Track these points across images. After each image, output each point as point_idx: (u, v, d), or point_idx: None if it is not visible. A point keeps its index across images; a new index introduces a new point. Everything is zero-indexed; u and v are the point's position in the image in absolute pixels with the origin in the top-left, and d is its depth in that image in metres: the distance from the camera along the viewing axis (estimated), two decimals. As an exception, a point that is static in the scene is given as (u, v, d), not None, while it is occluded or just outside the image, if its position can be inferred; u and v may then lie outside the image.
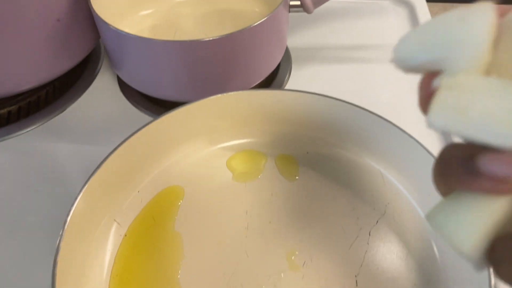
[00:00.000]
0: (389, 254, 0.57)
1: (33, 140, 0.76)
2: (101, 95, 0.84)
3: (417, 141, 0.58)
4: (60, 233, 0.49)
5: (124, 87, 0.85)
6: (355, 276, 0.55)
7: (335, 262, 0.56)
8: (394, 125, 0.61)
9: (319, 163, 0.67)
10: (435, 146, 0.73)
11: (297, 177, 0.65)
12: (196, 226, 0.60)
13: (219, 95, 0.64)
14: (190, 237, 0.59)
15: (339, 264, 0.56)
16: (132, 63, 0.72)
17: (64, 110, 0.81)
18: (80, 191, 0.53)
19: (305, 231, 0.59)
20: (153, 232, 0.60)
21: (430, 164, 0.56)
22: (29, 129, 0.77)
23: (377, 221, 0.60)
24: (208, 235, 0.59)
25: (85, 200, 0.53)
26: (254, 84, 0.78)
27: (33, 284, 0.57)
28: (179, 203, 0.62)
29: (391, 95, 0.83)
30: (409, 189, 0.61)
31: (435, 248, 0.56)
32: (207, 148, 0.68)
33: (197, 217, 0.61)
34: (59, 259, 0.47)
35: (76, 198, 0.52)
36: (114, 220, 0.60)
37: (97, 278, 0.55)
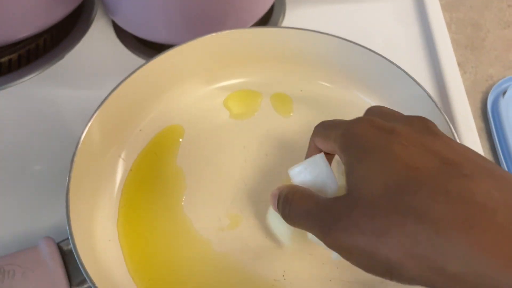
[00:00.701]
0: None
1: (34, 87, 0.78)
2: (98, 41, 0.85)
3: (409, 75, 0.60)
4: (70, 162, 0.52)
5: (120, 33, 0.86)
6: (346, 200, 0.59)
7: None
8: (386, 59, 0.63)
9: (312, 99, 0.69)
10: (427, 82, 0.76)
11: (291, 114, 0.68)
12: (197, 160, 0.63)
13: (212, 34, 0.65)
14: (191, 171, 0.63)
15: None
16: (127, 6, 0.73)
17: (63, 57, 0.83)
18: (85, 126, 0.55)
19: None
20: (156, 167, 0.63)
21: (421, 98, 0.59)
22: (30, 76, 0.79)
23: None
24: (208, 168, 0.63)
25: (90, 137, 0.56)
26: (249, 25, 0.79)
27: (45, 222, 0.61)
28: (180, 140, 0.66)
29: (385, 34, 0.84)
30: (398, 120, 0.65)
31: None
32: (204, 88, 0.70)
33: (197, 152, 0.64)
34: (71, 187, 0.51)
35: (82, 133, 0.55)
36: (119, 156, 0.63)
37: (106, 208, 0.59)
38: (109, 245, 0.56)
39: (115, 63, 0.81)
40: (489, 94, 0.74)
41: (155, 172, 0.63)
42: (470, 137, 0.66)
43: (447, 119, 0.55)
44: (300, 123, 0.67)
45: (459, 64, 0.77)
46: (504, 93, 0.73)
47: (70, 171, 0.52)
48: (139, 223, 0.58)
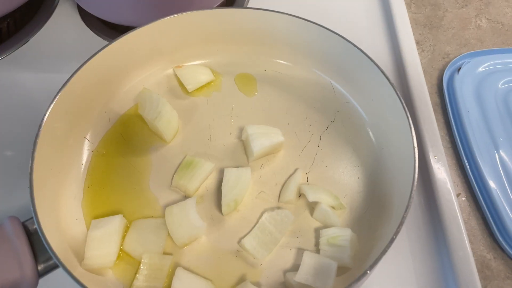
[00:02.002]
0: (337, 154, 0.63)
1: (-2, 71, 0.77)
2: (63, 24, 0.85)
3: (363, 52, 0.63)
4: (34, 143, 0.53)
5: (85, 16, 0.85)
6: (306, 174, 0.62)
7: (289, 163, 0.63)
8: (343, 37, 0.65)
9: (276, 79, 0.71)
10: (385, 60, 0.78)
11: (255, 93, 0.70)
12: (162, 140, 0.65)
13: (175, 16, 0.66)
14: (157, 150, 0.64)
15: (293, 165, 0.63)
16: (89, -12, 0.72)
17: (28, 41, 0.82)
18: (48, 107, 0.56)
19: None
20: (122, 147, 0.64)
21: (374, 73, 0.61)
22: (-7, 60, 0.78)
23: (327, 127, 0.66)
24: (173, 147, 0.64)
25: (53, 118, 0.56)
26: (215, 5, 0.79)
27: (11, 203, 0.62)
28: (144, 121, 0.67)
29: (344, 13, 0.86)
30: (356, 97, 0.67)
31: (376, 148, 0.63)
32: (168, 69, 0.71)
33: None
34: (34, 167, 0.52)
35: (44, 114, 0.55)
36: (84, 137, 0.64)
37: (73, 188, 0.60)
38: (76, 223, 0.57)
39: (81, 45, 0.81)
40: (445, 71, 0.77)
41: (121, 153, 0.64)
42: (426, 112, 0.70)
43: (398, 94, 0.57)
44: (264, 102, 0.69)
45: (417, 43, 0.80)
46: (458, 69, 0.77)
47: (33, 152, 0.53)
48: (104, 203, 0.60)
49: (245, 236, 0.55)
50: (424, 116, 0.69)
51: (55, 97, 0.57)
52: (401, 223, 0.47)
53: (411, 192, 0.49)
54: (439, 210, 0.60)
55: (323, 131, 0.65)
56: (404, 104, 0.56)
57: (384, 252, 0.45)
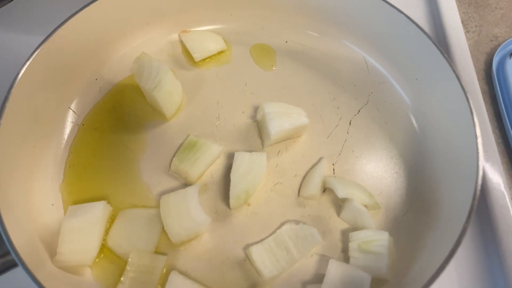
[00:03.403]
0: (370, 143, 0.53)
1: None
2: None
3: (409, 18, 0.52)
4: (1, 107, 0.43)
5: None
6: (333, 164, 0.51)
7: (312, 151, 0.52)
8: (385, 1, 0.54)
9: (298, 52, 0.60)
10: (424, 23, 0.67)
11: (274, 67, 0.59)
12: (161, 115, 0.54)
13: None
14: (154, 128, 0.54)
15: (317, 153, 0.52)
16: None
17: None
18: (23, 66, 0.46)
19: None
20: (113, 122, 0.54)
21: (422, 44, 0.51)
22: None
23: (358, 111, 0.55)
24: (174, 125, 0.54)
25: (28, 80, 0.46)
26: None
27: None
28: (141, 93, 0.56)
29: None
30: (395, 75, 0.56)
31: (419, 137, 0.52)
32: (171, 34, 0.60)
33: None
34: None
35: (18, 73, 0.45)
36: (69, 107, 0.54)
37: (50, 167, 0.50)
38: (51, 210, 0.47)
39: (74, 7, 0.70)
40: (495, 56, 0.66)
41: (111, 128, 0.53)
42: (474, 100, 0.59)
43: (455, 70, 0.46)
44: (283, 78, 0.58)
45: (461, 22, 0.69)
46: (511, 54, 0.66)
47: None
48: (88, 187, 0.49)
49: (255, 243, 0.45)
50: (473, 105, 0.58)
51: (32, 54, 0.47)
52: (462, 234, 0.37)
53: (474, 195, 0.39)
54: (492, 218, 0.50)
55: (353, 115, 0.55)
56: (463, 83, 0.45)
57: (441, 269, 0.35)
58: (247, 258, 0.45)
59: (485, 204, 0.51)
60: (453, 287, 0.46)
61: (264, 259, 0.43)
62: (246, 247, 0.46)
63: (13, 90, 0.44)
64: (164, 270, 0.44)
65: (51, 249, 0.43)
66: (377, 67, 0.57)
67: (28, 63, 0.46)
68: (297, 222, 0.45)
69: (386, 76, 0.57)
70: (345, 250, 0.46)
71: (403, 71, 0.55)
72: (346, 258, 0.45)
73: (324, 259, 0.45)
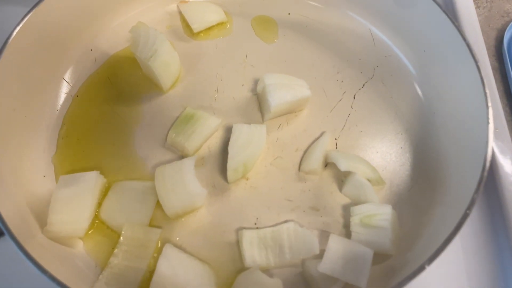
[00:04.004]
0: (374, 118, 0.51)
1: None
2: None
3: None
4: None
5: None
6: (335, 139, 0.49)
7: (314, 125, 0.50)
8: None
9: (302, 24, 0.58)
10: None
11: (276, 40, 0.57)
12: (158, 87, 0.52)
13: None
14: (151, 101, 0.52)
15: (319, 127, 0.50)
16: None
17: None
18: (13, 30, 0.44)
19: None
20: (108, 94, 0.52)
21: (432, 13, 0.48)
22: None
23: (363, 85, 0.53)
24: (171, 97, 0.52)
25: (18, 47, 0.44)
26: None
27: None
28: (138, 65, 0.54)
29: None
30: (403, 47, 0.54)
31: (426, 111, 0.50)
32: (170, 5, 0.58)
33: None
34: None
35: (8, 37, 0.43)
36: (62, 78, 0.52)
37: (43, 139, 0.48)
38: (43, 181, 0.46)
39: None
40: (506, 32, 0.64)
41: (106, 100, 0.51)
42: (484, 77, 0.56)
43: (466, 39, 0.44)
44: (285, 50, 0.56)
45: (472, -3, 0.66)
46: (523, 30, 0.63)
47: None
48: (81, 159, 0.48)
49: (253, 220, 0.43)
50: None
51: (22, 20, 0.45)
52: (471, 205, 0.35)
53: (484, 166, 0.37)
54: (499, 193, 0.47)
55: (358, 89, 0.52)
56: (474, 53, 0.43)
57: (448, 241, 0.33)
58: (238, 238, 0.43)
59: (493, 182, 0.49)
60: (459, 261, 0.44)
61: (254, 248, 0.41)
62: (244, 222, 0.44)
63: (2, 56, 0.42)
64: (159, 244, 0.43)
65: (42, 220, 0.42)
66: (383, 39, 0.55)
67: (17, 28, 0.44)
68: (301, 225, 0.43)
69: (393, 48, 0.54)
70: (346, 226, 0.44)
71: (410, 43, 0.53)
72: (347, 234, 0.43)
73: (324, 235, 0.43)
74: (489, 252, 0.45)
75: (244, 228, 0.43)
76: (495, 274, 0.44)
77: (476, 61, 0.43)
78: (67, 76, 0.52)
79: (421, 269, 0.32)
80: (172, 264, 0.39)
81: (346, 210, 0.44)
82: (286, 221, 0.44)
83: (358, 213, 0.42)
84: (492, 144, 0.37)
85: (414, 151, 0.48)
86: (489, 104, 0.40)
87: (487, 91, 0.41)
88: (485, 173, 0.36)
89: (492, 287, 0.44)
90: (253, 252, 0.41)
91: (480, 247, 0.45)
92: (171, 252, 0.40)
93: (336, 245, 0.40)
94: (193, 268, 0.39)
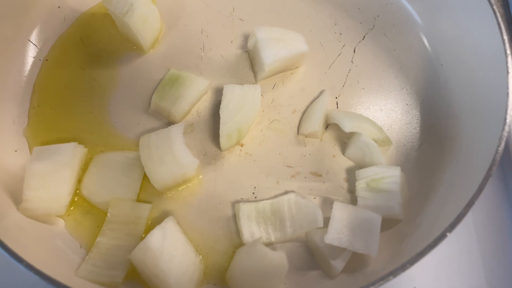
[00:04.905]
0: (377, 73, 0.47)
1: None
2: None
3: None
4: None
5: None
6: (336, 98, 0.45)
7: (312, 83, 0.46)
8: None
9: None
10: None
11: (266, -10, 0.51)
12: (137, 47, 0.47)
13: None
14: (128, 63, 0.46)
15: (318, 85, 0.46)
16: None
17: None
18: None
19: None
20: (81, 56, 0.47)
21: None
22: None
23: (363, 37, 0.49)
24: (152, 57, 0.47)
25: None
26: None
27: None
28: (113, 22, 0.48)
29: None
30: (407, -6, 0.49)
31: (433, 63, 0.46)
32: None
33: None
34: None
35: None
36: (29, 40, 0.46)
37: (11, 110, 0.43)
38: (15, 156, 0.41)
39: None
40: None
41: (79, 63, 0.46)
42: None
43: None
44: (277, 1, 0.50)
45: None
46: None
47: None
48: (57, 129, 0.43)
49: (247, 201, 0.40)
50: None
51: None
52: (492, 166, 0.31)
53: (504, 121, 0.33)
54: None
55: (358, 42, 0.48)
56: (490, -7, 0.39)
57: (469, 205, 0.30)
58: (235, 211, 0.39)
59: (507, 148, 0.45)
60: (470, 230, 0.41)
61: (252, 223, 0.38)
62: (240, 193, 0.40)
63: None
64: (150, 221, 0.39)
65: (17, 199, 0.38)
66: (385, -16, 0.50)
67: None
68: (303, 196, 0.40)
69: (395, -5, 0.50)
70: (351, 191, 0.41)
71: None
72: (353, 200, 0.40)
73: (328, 202, 0.40)
74: (502, 220, 0.42)
75: (241, 200, 0.40)
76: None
77: (491, 5, 0.38)
78: (33, 37, 0.46)
79: (442, 237, 0.29)
80: (165, 242, 0.35)
81: (351, 174, 0.41)
82: (286, 192, 0.40)
83: (364, 177, 0.39)
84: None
85: (421, 107, 0.45)
86: (508, 52, 0.36)
87: (505, 37, 0.37)
88: (507, 127, 0.33)
89: (507, 266, 0.41)
90: (252, 227, 0.38)
91: (492, 214, 0.43)
92: (170, 228, 0.36)
93: (341, 213, 0.37)
94: (183, 255, 0.36)
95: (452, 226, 0.29)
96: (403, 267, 0.28)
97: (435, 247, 0.28)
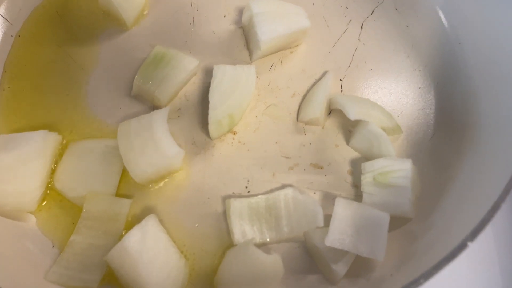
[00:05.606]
0: (386, 52, 0.42)
1: None
2: None
3: None
4: None
5: None
6: (341, 80, 0.41)
7: (314, 63, 0.41)
8: None
9: None
10: None
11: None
12: (118, 22, 0.42)
13: None
14: (110, 37, 0.42)
15: (320, 66, 0.41)
16: None
17: None
18: None
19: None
20: (57, 32, 0.43)
21: None
22: None
23: (372, 11, 0.44)
24: (136, 34, 0.42)
25: None
26: None
27: None
28: (95, -7, 0.43)
29: None
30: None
31: (451, 41, 0.41)
32: None
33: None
34: None
35: None
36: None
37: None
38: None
39: None
40: None
41: (55, 40, 0.42)
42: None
43: None
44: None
45: None
46: None
47: None
48: (29, 114, 0.39)
49: (239, 196, 0.36)
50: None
51: None
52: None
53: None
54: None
55: (366, 17, 0.44)
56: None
57: (495, 207, 0.25)
58: (226, 208, 0.36)
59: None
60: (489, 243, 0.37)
61: (244, 221, 0.35)
62: (232, 186, 0.37)
63: None
64: (130, 218, 0.35)
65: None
66: (397, -49, 0.45)
67: None
68: (302, 191, 0.36)
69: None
70: (356, 186, 0.37)
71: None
72: (358, 196, 0.36)
73: (329, 197, 0.36)
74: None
75: (233, 194, 0.36)
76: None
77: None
78: (2, 10, 0.42)
79: (462, 246, 0.25)
80: (144, 243, 0.32)
81: (355, 167, 0.38)
82: (283, 186, 0.36)
83: (371, 170, 0.35)
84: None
85: (436, 91, 0.41)
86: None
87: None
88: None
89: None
90: (244, 225, 0.34)
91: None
92: (151, 228, 0.32)
93: (344, 211, 0.33)
94: (165, 258, 0.32)
95: (474, 234, 0.25)
96: (416, 283, 0.24)
97: (454, 258, 0.24)
